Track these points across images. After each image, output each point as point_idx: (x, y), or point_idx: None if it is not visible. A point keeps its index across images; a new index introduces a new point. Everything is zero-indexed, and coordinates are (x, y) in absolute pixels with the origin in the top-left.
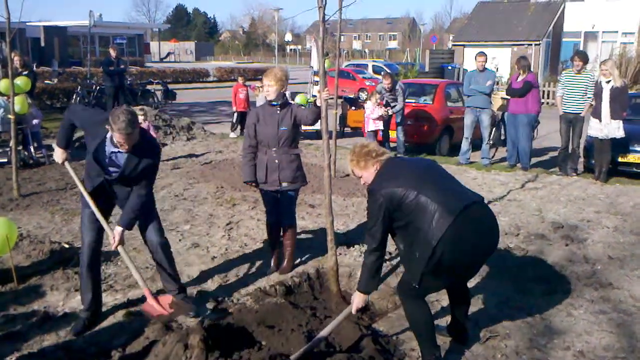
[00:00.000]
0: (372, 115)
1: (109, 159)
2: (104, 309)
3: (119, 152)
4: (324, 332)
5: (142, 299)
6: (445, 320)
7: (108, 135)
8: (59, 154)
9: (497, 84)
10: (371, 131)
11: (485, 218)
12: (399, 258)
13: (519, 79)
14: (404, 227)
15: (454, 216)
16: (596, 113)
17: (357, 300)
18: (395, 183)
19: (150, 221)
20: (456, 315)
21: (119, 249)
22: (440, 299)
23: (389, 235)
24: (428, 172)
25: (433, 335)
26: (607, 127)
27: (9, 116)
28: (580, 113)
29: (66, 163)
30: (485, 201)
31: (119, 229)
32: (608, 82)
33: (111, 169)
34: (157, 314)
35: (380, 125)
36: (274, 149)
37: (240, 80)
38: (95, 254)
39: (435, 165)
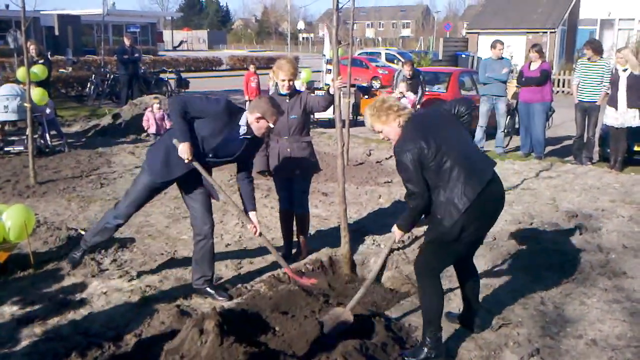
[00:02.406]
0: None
1: (230, 144)
2: (119, 294)
3: (245, 138)
4: (371, 277)
5: (159, 285)
6: (458, 309)
7: (242, 122)
8: (186, 149)
9: (512, 72)
10: None
11: (499, 192)
12: (411, 247)
13: (532, 67)
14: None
15: (480, 188)
16: (612, 101)
17: (398, 234)
18: (420, 144)
19: (207, 202)
20: (468, 299)
21: (259, 236)
22: (452, 286)
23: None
24: (452, 133)
25: (439, 317)
26: (623, 116)
27: (25, 104)
28: (595, 102)
29: (194, 163)
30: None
31: (253, 213)
32: (625, 70)
33: (221, 154)
34: (308, 282)
35: None
36: (285, 137)
37: (251, 68)
38: (128, 218)
39: (457, 123)
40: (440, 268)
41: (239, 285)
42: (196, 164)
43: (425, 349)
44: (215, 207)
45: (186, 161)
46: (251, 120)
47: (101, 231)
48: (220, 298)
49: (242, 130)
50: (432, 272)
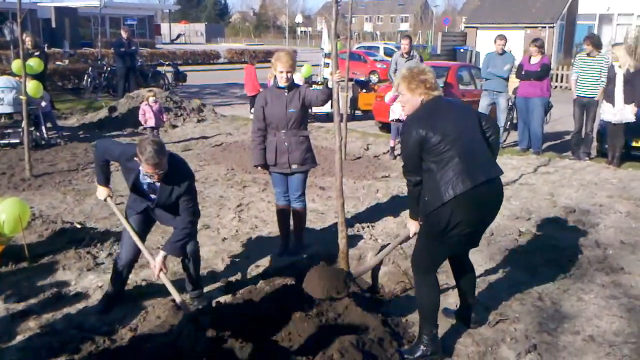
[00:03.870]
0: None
1: (148, 187)
2: None
3: (154, 182)
4: (380, 255)
5: (154, 280)
6: (455, 305)
7: (141, 168)
8: (101, 192)
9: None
10: (396, 120)
11: (493, 194)
12: (408, 243)
13: (532, 61)
14: (425, 169)
15: (473, 185)
16: (610, 97)
17: (412, 227)
18: (432, 128)
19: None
20: (464, 295)
21: (161, 275)
22: (450, 283)
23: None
24: (467, 129)
25: (435, 313)
26: (620, 112)
27: (21, 97)
28: (594, 97)
29: (109, 199)
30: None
31: (161, 255)
32: (621, 66)
33: (152, 196)
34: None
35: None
36: (283, 131)
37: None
38: (130, 268)
39: (474, 118)
40: (433, 263)
41: (235, 280)
42: (110, 204)
43: (421, 346)
44: (212, 201)
45: (102, 199)
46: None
47: (114, 271)
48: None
49: (142, 175)
50: (427, 268)
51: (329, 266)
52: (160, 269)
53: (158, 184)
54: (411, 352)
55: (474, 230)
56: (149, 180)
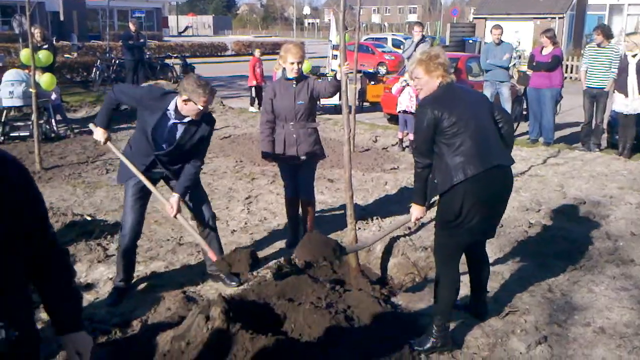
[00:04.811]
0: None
1: (167, 133)
2: None
3: (179, 123)
4: (377, 235)
5: (165, 271)
6: (465, 295)
7: (170, 107)
8: (100, 134)
9: (519, 57)
10: (403, 112)
11: (503, 180)
12: (418, 235)
13: (544, 52)
14: (436, 152)
15: (483, 168)
16: (622, 88)
17: (415, 211)
18: (448, 109)
19: (201, 194)
20: (475, 287)
21: (179, 216)
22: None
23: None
24: (480, 115)
25: (450, 307)
26: (633, 103)
27: (31, 89)
28: (604, 88)
29: (109, 143)
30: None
31: (176, 196)
32: (634, 55)
33: (165, 145)
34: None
35: (413, 107)
36: (292, 123)
37: (257, 53)
38: (137, 235)
39: (487, 107)
40: (452, 254)
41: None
42: (111, 147)
43: (432, 338)
44: (221, 194)
45: (102, 144)
46: (179, 103)
47: (118, 257)
48: (232, 283)
49: (171, 115)
50: (446, 258)
51: (321, 235)
52: (177, 211)
53: (180, 128)
54: (421, 344)
55: (488, 217)
56: (175, 120)
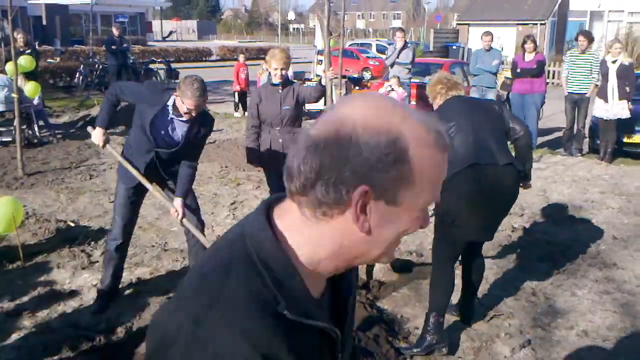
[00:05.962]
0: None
1: (165, 129)
2: None
3: (179, 119)
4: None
5: (150, 277)
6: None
7: (169, 103)
8: (99, 135)
9: (503, 63)
10: None
11: (499, 181)
12: (404, 239)
13: (527, 58)
14: None
15: (474, 162)
16: (602, 93)
17: None
18: (442, 114)
19: (192, 201)
20: (467, 290)
21: (184, 221)
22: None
23: None
24: (479, 118)
25: (445, 306)
26: (613, 108)
27: (13, 95)
28: (585, 93)
29: (108, 146)
30: None
31: (178, 200)
32: (614, 61)
33: (166, 138)
34: None
35: None
36: (278, 128)
37: (241, 58)
38: (128, 236)
39: (492, 113)
40: (450, 253)
41: None
42: (111, 150)
43: (427, 336)
44: (206, 199)
45: (101, 147)
46: (176, 100)
47: (106, 261)
48: None
49: (169, 110)
50: (444, 258)
51: None
52: (183, 215)
53: (180, 125)
54: (417, 345)
55: (480, 216)
56: (172, 116)
